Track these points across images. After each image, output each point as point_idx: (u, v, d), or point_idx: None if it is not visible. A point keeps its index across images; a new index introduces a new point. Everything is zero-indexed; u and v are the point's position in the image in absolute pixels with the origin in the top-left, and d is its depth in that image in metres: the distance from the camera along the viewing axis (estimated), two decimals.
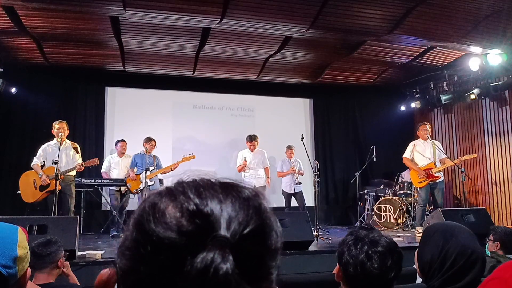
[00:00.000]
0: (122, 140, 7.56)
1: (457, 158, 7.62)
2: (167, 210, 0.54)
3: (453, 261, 1.54)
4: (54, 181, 5.75)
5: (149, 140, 7.21)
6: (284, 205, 8.09)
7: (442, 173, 7.03)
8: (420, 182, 6.87)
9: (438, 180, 6.85)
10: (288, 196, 8.09)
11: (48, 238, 2.71)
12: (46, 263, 2.54)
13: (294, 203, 8.06)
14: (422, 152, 7.00)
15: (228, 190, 0.57)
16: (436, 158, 6.97)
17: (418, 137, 7.22)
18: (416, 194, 7.83)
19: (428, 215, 7.10)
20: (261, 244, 0.54)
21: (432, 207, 7.41)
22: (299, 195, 7.93)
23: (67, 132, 6.22)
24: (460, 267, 1.53)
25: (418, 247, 1.71)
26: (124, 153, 7.56)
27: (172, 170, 7.16)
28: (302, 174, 7.90)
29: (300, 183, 7.81)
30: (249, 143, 7.68)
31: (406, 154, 7.12)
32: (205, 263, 0.49)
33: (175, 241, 0.51)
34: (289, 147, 7.96)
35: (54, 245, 2.63)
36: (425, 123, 7.31)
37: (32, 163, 6.13)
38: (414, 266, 1.75)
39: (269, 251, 0.55)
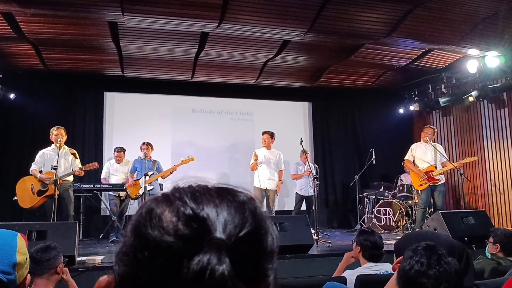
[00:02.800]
0: (119, 151, 7.51)
1: (457, 161, 7.59)
2: (163, 215, 0.55)
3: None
4: (53, 186, 5.74)
5: (142, 144, 7.25)
6: (293, 208, 8.14)
7: (443, 175, 7.01)
8: (421, 185, 6.86)
9: (439, 183, 6.83)
10: (300, 199, 8.12)
11: (48, 243, 2.71)
12: (45, 269, 2.54)
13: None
14: (423, 155, 6.97)
15: (224, 194, 0.58)
16: (438, 161, 6.95)
17: (420, 139, 7.22)
18: (416, 197, 7.82)
19: (428, 217, 7.09)
20: (257, 246, 0.55)
21: (432, 209, 7.39)
22: (311, 199, 7.92)
23: (65, 137, 6.21)
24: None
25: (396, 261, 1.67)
26: (120, 161, 7.55)
27: (171, 173, 7.14)
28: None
29: (318, 182, 7.59)
30: (263, 138, 7.49)
31: (408, 156, 7.13)
32: (201, 265, 0.50)
33: (172, 245, 0.52)
34: (305, 152, 7.84)
35: (53, 250, 2.62)
36: (431, 126, 7.27)
37: (30, 169, 6.11)
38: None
39: (265, 253, 0.56)
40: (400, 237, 1.93)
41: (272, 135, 7.49)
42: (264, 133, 7.54)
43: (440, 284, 1.42)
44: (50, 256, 2.58)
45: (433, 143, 7.07)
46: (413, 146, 7.16)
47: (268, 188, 7.18)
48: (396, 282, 1.53)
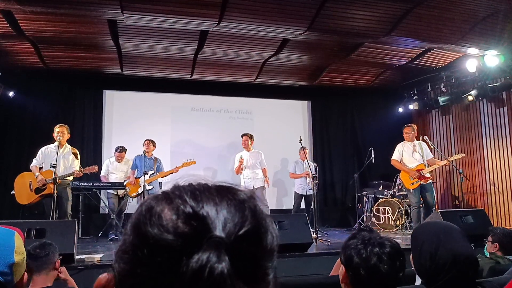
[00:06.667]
0: (121, 151, 7.46)
1: (446, 158, 7.54)
2: (163, 213, 0.55)
3: (447, 270, 1.53)
4: (51, 185, 5.73)
5: (145, 141, 7.27)
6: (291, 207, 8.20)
7: (428, 174, 7.01)
8: (412, 184, 6.81)
9: (428, 181, 6.85)
10: (299, 198, 8.15)
11: (43, 241, 2.72)
12: (44, 265, 2.54)
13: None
14: (410, 154, 6.96)
15: (224, 193, 0.58)
16: (424, 159, 6.95)
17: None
18: (409, 197, 7.77)
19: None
20: (256, 245, 0.55)
21: (425, 208, 7.37)
22: (310, 197, 7.95)
23: (67, 136, 6.19)
24: (454, 275, 1.53)
25: (411, 254, 1.69)
26: (121, 161, 7.53)
27: (172, 173, 7.16)
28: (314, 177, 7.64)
29: (317, 181, 7.72)
30: (242, 139, 7.70)
31: (395, 156, 7.03)
32: (200, 263, 0.50)
33: (171, 243, 0.52)
34: (302, 148, 7.88)
35: (50, 246, 2.64)
36: (410, 124, 7.21)
37: (31, 165, 6.11)
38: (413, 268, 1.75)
39: (265, 252, 0.56)
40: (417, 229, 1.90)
41: (251, 137, 7.72)
42: (243, 135, 7.75)
43: (394, 270, 1.43)
44: (48, 252, 2.59)
45: (417, 141, 7.04)
46: (399, 146, 7.07)
47: (255, 187, 7.31)
48: None
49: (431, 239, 1.61)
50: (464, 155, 7.54)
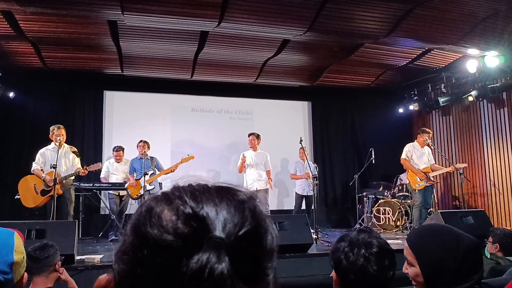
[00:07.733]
0: (118, 150, 7.46)
1: (454, 162, 7.64)
2: (163, 213, 0.55)
3: (472, 261, 1.44)
4: (54, 186, 5.72)
5: (139, 142, 7.27)
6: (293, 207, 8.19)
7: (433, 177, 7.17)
8: (419, 185, 6.93)
9: (433, 184, 7.00)
10: (299, 198, 8.14)
11: (44, 242, 2.71)
12: (44, 267, 2.54)
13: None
14: (420, 156, 7.08)
15: (223, 193, 0.58)
16: (430, 163, 7.11)
17: (415, 140, 7.28)
18: (413, 196, 7.83)
19: (428, 216, 7.12)
20: (256, 245, 0.55)
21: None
22: (310, 198, 7.94)
23: (65, 137, 6.19)
24: (475, 265, 1.45)
25: (417, 256, 1.51)
26: (120, 160, 7.54)
27: (172, 171, 7.15)
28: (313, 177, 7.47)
29: (317, 182, 7.71)
30: (249, 139, 7.63)
31: (404, 156, 7.18)
32: (200, 264, 0.50)
33: (171, 244, 0.52)
34: (301, 148, 7.86)
35: (50, 248, 2.63)
36: (429, 131, 7.28)
37: (32, 169, 6.05)
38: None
39: (264, 252, 0.56)
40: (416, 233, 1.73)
41: (258, 136, 7.65)
42: (250, 134, 7.70)
43: (383, 269, 1.43)
44: (48, 254, 2.58)
45: (426, 146, 7.18)
46: (409, 147, 7.20)
47: (258, 189, 7.25)
48: None
49: (447, 237, 1.49)
50: (466, 165, 7.60)
